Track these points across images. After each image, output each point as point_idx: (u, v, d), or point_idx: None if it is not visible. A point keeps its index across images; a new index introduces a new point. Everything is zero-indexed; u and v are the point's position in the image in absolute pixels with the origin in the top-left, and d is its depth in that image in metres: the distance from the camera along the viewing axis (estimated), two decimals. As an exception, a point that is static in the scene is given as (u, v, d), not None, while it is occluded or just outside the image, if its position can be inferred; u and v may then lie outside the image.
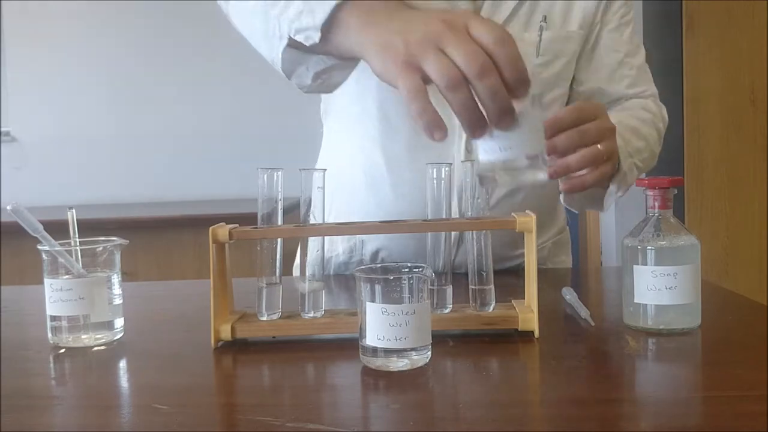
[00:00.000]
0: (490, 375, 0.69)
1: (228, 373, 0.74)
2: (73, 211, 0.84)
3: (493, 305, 0.81)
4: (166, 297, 1.08)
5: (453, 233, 0.95)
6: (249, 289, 0.84)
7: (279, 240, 0.82)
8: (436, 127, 0.67)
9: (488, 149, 0.72)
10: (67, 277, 0.81)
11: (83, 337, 0.81)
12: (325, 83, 0.95)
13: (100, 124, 3.19)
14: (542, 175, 0.72)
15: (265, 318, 0.81)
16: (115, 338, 0.83)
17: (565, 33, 1.12)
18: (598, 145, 0.89)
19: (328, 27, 0.78)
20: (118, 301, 0.83)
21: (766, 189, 2.75)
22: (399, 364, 0.68)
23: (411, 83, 0.67)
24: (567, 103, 1.19)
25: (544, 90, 1.12)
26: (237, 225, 0.81)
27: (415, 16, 0.72)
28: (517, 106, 0.69)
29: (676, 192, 0.80)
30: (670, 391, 0.63)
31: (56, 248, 0.81)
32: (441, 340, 0.77)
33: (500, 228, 0.80)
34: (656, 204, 0.80)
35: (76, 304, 0.80)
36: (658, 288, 0.77)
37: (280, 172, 0.82)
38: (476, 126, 0.69)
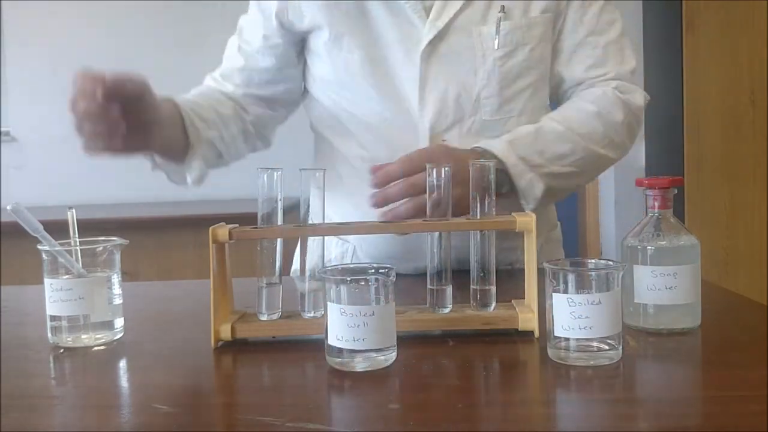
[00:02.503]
0: (490, 375, 0.69)
1: (228, 373, 0.74)
2: (74, 211, 0.84)
3: (493, 305, 0.81)
4: (166, 297, 1.08)
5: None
6: (249, 289, 0.84)
7: (279, 240, 0.82)
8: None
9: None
10: (67, 277, 0.81)
11: (83, 337, 0.81)
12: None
13: (100, 124, 3.19)
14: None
15: (265, 318, 0.81)
16: (115, 338, 0.83)
17: (526, 20, 1.09)
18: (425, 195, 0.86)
19: None
20: (118, 301, 0.83)
21: (766, 189, 2.75)
22: (361, 365, 0.68)
23: None
24: (552, 88, 1.17)
25: (507, 82, 1.10)
26: (237, 225, 0.81)
27: None
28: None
29: (676, 192, 0.80)
30: (670, 391, 0.63)
31: (56, 248, 0.81)
32: (441, 340, 0.77)
33: (500, 228, 0.80)
34: (656, 204, 0.80)
35: (76, 304, 0.80)
36: (658, 288, 0.77)
37: (280, 172, 0.82)
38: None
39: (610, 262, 0.71)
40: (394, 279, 0.69)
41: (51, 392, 0.69)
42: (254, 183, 0.81)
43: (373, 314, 0.67)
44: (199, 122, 1.13)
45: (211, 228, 0.79)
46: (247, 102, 1.22)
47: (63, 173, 3.16)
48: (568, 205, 3.73)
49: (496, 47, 1.08)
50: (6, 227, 2.35)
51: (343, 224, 0.90)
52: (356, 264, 0.74)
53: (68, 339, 0.81)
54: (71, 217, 0.84)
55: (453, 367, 0.70)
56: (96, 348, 0.80)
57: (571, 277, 0.68)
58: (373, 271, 0.70)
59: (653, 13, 3.15)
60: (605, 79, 1.13)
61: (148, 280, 2.40)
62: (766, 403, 0.57)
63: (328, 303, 0.69)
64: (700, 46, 2.75)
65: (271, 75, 1.20)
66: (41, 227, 0.82)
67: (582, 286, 0.68)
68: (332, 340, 0.69)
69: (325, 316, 0.70)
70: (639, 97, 1.13)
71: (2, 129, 3.19)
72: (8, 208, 0.80)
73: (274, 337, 0.80)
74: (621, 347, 0.69)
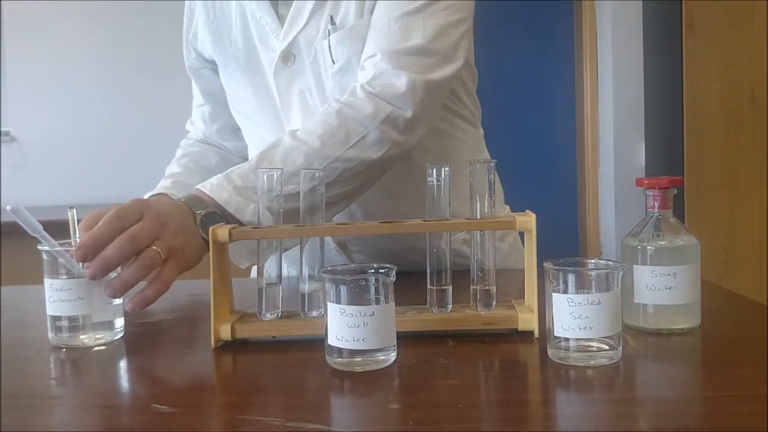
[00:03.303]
0: (490, 375, 0.69)
1: (228, 373, 0.74)
2: (74, 210, 0.84)
3: (493, 305, 0.81)
4: (166, 297, 1.08)
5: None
6: (249, 289, 0.84)
7: (279, 240, 0.82)
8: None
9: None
10: (66, 277, 0.81)
11: (83, 337, 0.81)
12: None
13: (100, 124, 3.19)
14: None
15: (265, 318, 0.81)
16: (115, 338, 0.83)
17: (358, 24, 1.02)
18: (154, 247, 0.82)
19: None
20: (118, 301, 0.83)
21: (766, 189, 2.75)
22: (361, 365, 0.68)
23: None
24: None
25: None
26: (237, 225, 0.81)
27: None
28: None
29: (676, 192, 0.80)
30: (670, 391, 0.63)
31: (56, 248, 0.81)
32: (441, 340, 0.77)
33: (500, 228, 0.80)
34: (656, 204, 0.80)
35: (76, 304, 0.80)
36: (658, 288, 0.77)
37: (279, 172, 0.82)
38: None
39: (610, 262, 0.71)
40: (394, 279, 0.69)
41: (51, 392, 0.69)
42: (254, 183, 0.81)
43: (373, 314, 0.67)
44: None
45: (211, 228, 0.79)
46: (222, 138, 1.29)
47: (63, 173, 3.17)
48: (568, 205, 3.74)
49: (332, 62, 1.04)
50: (6, 227, 2.35)
51: (343, 224, 0.90)
52: (356, 264, 0.74)
53: (68, 339, 0.81)
54: (71, 216, 0.84)
55: (453, 367, 0.70)
56: (96, 348, 0.80)
57: (571, 277, 0.68)
58: (373, 271, 0.70)
59: (653, 13, 3.15)
60: (371, 64, 0.99)
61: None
62: (766, 403, 0.57)
63: (328, 303, 0.69)
64: (700, 46, 2.75)
65: (212, 105, 1.27)
66: (41, 227, 0.82)
67: (582, 286, 0.68)
68: (332, 340, 0.69)
69: (325, 316, 0.70)
70: (399, 83, 0.96)
71: (2, 129, 3.20)
72: (8, 208, 0.80)
73: (274, 337, 0.80)
74: (621, 347, 0.69)
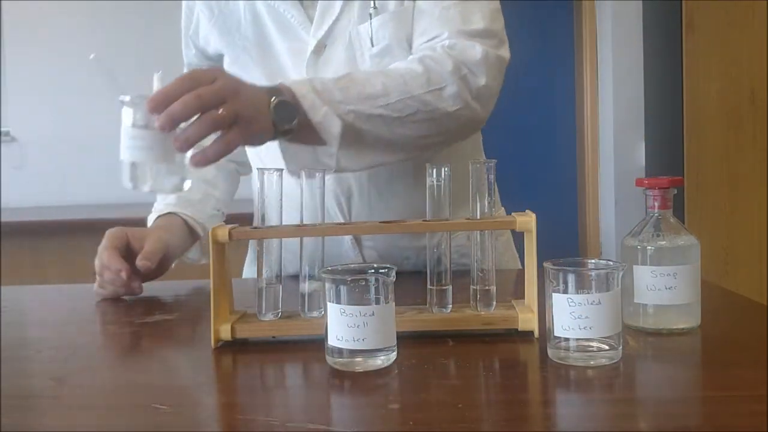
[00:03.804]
0: (490, 375, 0.69)
1: (228, 373, 0.74)
2: (160, 72, 0.84)
3: (493, 305, 0.81)
4: (166, 297, 1.08)
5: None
6: (249, 289, 0.84)
7: (279, 240, 0.82)
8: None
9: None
10: (143, 126, 0.81)
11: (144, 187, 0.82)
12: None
13: (100, 124, 3.18)
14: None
15: (265, 318, 0.81)
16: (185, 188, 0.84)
17: (399, 9, 1.06)
18: (220, 110, 0.82)
19: None
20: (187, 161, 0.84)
21: (766, 189, 2.75)
22: (361, 365, 0.68)
23: None
24: None
25: None
26: (237, 225, 0.81)
27: None
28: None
29: (676, 192, 0.80)
30: (670, 391, 0.63)
31: (136, 96, 0.82)
32: (441, 340, 0.77)
33: (500, 228, 0.80)
34: (656, 204, 0.80)
35: (146, 152, 0.81)
36: (658, 288, 0.77)
37: (279, 173, 0.82)
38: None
39: (610, 262, 0.71)
40: (394, 279, 0.69)
41: (51, 392, 0.69)
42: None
43: (373, 314, 0.67)
44: (199, 215, 1.20)
45: (211, 228, 0.79)
46: None
47: (63, 173, 3.16)
48: (568, 205, 3.74)
49: (371, 45, 1.07)
50: (6, 227, 2.34)
51: (343, 224, 0.90)
52: (356, 264, 0.74)
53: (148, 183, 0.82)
54: (157, 79, 0.84)
55: (453, 367, 0.70)
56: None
57: (571, 277, 0.68)
58: (373, 271, 0.70)
59: (653, 13, 3.15)
60: (440, 41, 1.03)
61: (148, 280, 2.39)
62: (766, 403, 0.57)
63: (328, 303, 0.69)
64: (700, 46, 2.75)
65: None
66: (118, 80, 0.82)
67: (582, 286, 0.68)
68: (332, 340, 0.69)
69: (325, 316, 0.70)
70: (475, 52, 1.01)
71: (2, 129, 3.20)
72: (91, 57, 0.80)
73: (274, 337, 0.80)
74: (621, 347, 0.69)
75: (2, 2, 3.15)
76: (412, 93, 0.96)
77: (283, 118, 0.87)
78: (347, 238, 1.14)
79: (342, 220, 1.12)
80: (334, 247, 1.15)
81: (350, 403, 0.65)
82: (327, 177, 1.10)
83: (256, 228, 0.81)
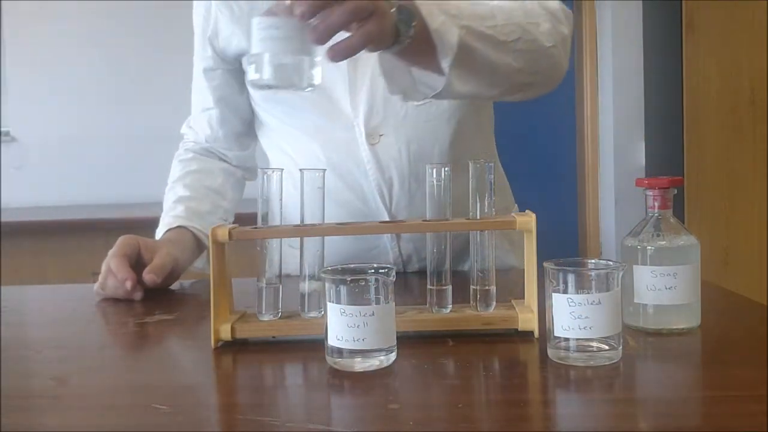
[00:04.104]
0: (490, 375, 0.69)
1: (228, 373, 0.74)
2: None
3: (493, 305, 0.81)
4: (165, 297, 1.08)
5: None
6: (249, 289, 0.84)
7: (279, 240, 0.82)
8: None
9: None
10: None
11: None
12: None
13: (100, 124, 3.19)
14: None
15: (265, 318, 0.81)
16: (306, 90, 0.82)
17: None
18: None
19: None
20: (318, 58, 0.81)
21: (766, 189, 2.75)
22: (361, 365, 0.68)
23: None
24: None
25: None
26: (237, 225, 0.81)
27: None
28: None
29: (676, 192, 0.80)
30: (670, 391, 0.63)
31: None
32: (441, 340, 0.77)
33: (500, 228, 0.80)
34: (656, 204, 0.80)
35: (282, 42, 0.78)
36: (658, 288, 0.77)
37: (279, 173, 0.82)
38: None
39: (610, 262, 0.71)
40: (394, 279, 0.69)
41: (51, 392, 0.69)
42: (254, 183, 0.81)
43: (373, 314, 0.67)
44: (208, 228, 1.20)
45: (211, 228, 0.79)
46: (225, 145, 1.29)
47: (63, 173, 3.16)
48: (568, 205, 3.74)
49: None
50: (6, 227, 2.34)
51: (343, 224, 0.90)
52: (356, 264, 0.74)
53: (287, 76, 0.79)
54: None
55: (453, 367, 0.70)
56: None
57: (571, 277, 0.68)
58: (373, 271, 0.70)
59: (653, 13, 3.15)
60: None
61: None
62: (766, 403, 0.57)
63: (328, 303, 0.69)
64: (700, 46, 2.75)
65: (221, 110, 1.26)
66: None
67: (582, 286, 0.68)
68: (332, 340, 0.69)
69: (325, 316, 0.70)
70: (554, 3, 1.06)
71: (2, 129, 3.20)
72: None
73: (274, 337, 0.80)
74: (621, 347, 0.69)
75: (2, 2, 3.15)
76: (515, 20, 0.97)
77: (403, 20, 0.84)
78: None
79: (383, 209, 1.13)
80: (373, 240, 1.17)
81: (350, 403, 0.65)
82: (369, 166, 1.13)
83: (256, 228, 0.81)
